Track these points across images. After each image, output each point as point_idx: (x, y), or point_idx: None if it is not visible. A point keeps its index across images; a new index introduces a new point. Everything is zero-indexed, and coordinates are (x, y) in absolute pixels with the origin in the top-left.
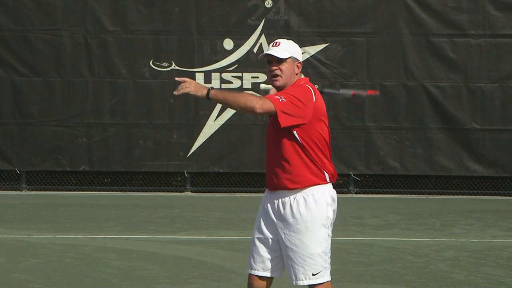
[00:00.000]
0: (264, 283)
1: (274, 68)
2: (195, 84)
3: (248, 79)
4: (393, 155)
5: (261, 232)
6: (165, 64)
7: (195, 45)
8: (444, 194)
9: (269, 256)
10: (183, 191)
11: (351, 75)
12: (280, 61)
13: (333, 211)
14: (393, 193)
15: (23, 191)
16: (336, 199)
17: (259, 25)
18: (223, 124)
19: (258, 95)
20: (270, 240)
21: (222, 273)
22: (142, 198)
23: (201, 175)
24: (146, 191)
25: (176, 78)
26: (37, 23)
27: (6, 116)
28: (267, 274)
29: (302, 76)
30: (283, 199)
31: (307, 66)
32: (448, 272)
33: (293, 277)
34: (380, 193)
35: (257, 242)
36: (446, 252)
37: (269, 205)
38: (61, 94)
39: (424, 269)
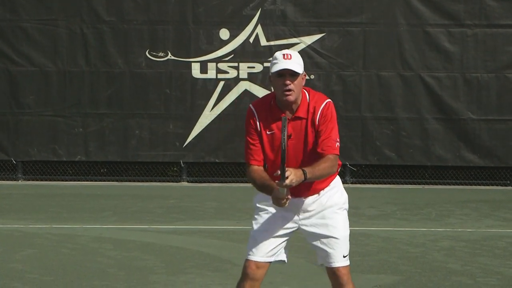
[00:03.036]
0: (263, 269)
1: (289, 82)
2: (295, 176)
3: (244, 69)
4: (390, 145)
5: (273, 223)
6: (161, 54)
7: (191, 35)
8: (440, 184)
9: (275, 243)
10: (179, 181)
11: (348, 66)
12: (294, 75)
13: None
14: (390, 183)
15: (19, 181)
16: None
17: (255, 15)
18: (219, 114)
19: (333, 156)
20: (282, 229)
21: (218, 263)
22: (138, 188)
23: (197, 165)
24: (142, 181)
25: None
26: (33, 13)
27: (2, 106)
28: (270, 259)
29: None
30: (306, 197)
31: (304, 56)
32: (444, 262)
33: (329, 260)
34: (377, 183)
35: (267, 230)
36: (442, 242)
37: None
38: (57, 84)
39: (420, 259)
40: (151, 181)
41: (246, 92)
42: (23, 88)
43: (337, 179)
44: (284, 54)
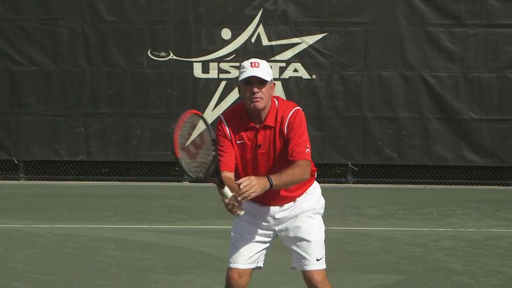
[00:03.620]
0: (246, 276)
1: (257, 90)
2: (257, 182)
3: None
4: (391, 145)
5: (249, 230)
6: (162, 54)
7: (193, 34)
8: (442, 184)
9: (255, 250)
10: (181, 181)
11: (349, 65)
12: (263, 83)
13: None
14: (391, 183)
15: (21, 181)
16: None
17: (256, 15)
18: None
19: (303, 161)
20: (260, 236)
21: (219, 263)
22: (140, 188)
23: None
24: (144, 181)
25: (237, 182)
26: (34, 12)
27: (3, 106)
28: (252, 266)
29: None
30: (282, 205)
31: (305, 56)
32: (446, 262)
33: (302, 263)
34: (378, 183)
35: (245, 237)
36: (444, 242)
37: (262, 210)
38: (59, 84)
39: (421, 259)
40: (153, 181)
41: None
42: (24, 87)
43: (315, 185)
44: (251, 63)
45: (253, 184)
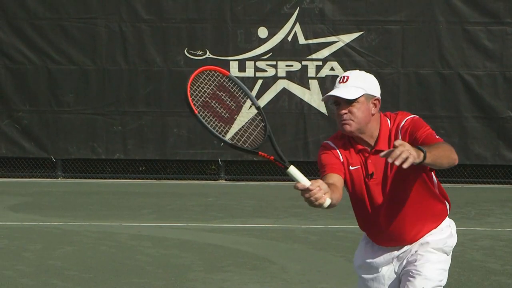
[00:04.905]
0: None
1: (343, 112)
2: (410, 147)
3: (282, 67)
4: None
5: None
6: (199, 52)
7: (230, 33)
8: (480, 183)
9: None
10: (217, 179)
11: (386, 64)
12: (350, 102)
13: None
14: None
15: (59, 179)
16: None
17: (293, 13)
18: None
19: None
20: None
21: (256, 261)
22: (177, 186)
23: (235, 163)
24: (181, 179)
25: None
26: (72, 11)
27: (42, 104)
28: None
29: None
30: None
31: (342, 55)
32: (484, 262)
33: None
34: None
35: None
36: (482, 241)
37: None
38: (96, 82)
39: (459, 258)
40: (190, 179)
41: (284, 91)
42: (62, 86)
43: (447, 221)
44: (342, 77)
45: (408, 148)
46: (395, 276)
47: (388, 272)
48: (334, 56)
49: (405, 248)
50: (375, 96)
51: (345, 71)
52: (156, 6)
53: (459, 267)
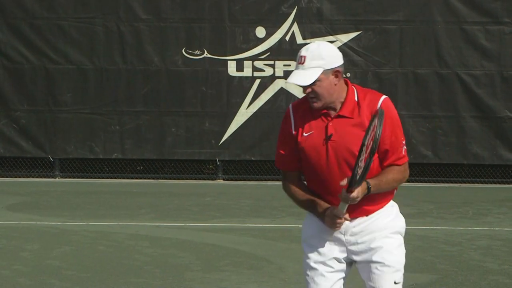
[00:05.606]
0: None
1: (308, 91)
2: (358, 191)
3: (280, 67)
4: (426, 143)
5: (324, 254)
6: (197, 52)
7: (228, 33)
8: (477, 183)
9: (335, 280)
10: (215, 179)
11: (384, 63)
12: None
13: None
14: (426, 182)
15: (57, 179)
16: None
17: (291, 13)
18: (255, 112)
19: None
20: (336, 263)
21: (254, 261)
22: (174, 186)
23: (233, 163)
24: (178, 179)
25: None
26: (70, 11)
27: (39, 104)
28: None
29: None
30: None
31: None
32: (481, 261)
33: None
34: (413, 182)
35: (320, 267)
36: (479, 241)
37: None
38: (94, 82)
39: (456, 258)
40: (187, 179)
41: (282, 90)
42: (60, 85)
43: (392, 203)
44: (300, 57)
45: (360, 195)
46: (345, 249)
47: (338, 244)
48: None
49: (357, 222)
50: (334, 68)
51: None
52: (154, 6)
53: (457, 266)
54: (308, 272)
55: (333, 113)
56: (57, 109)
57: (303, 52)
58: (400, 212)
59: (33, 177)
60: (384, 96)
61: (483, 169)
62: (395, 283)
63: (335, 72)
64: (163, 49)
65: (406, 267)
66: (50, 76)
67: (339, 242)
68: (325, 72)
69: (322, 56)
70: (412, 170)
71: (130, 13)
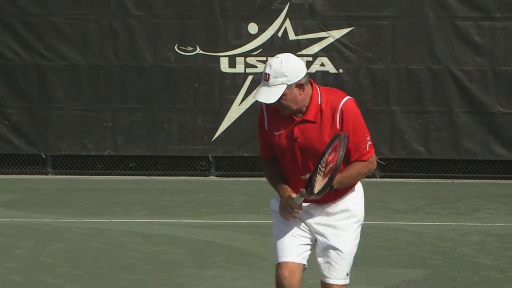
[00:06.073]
0: (298, 274)
1: (276, 104)
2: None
3: None
4: (418, 139)
5: (291, 223)
6: (190, 48)
7: (220, 29)
8: (470, 178)
9: (302, 243)
10: (208, 176)
11: (376, 59)
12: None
13: None
14: (418, 177)
15: (49, 175)
16: None
17: (283, 9)
18: (248, 108)
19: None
20: (301, 231)
21: (247, 257)
22: (167, 183)
23: (225, 159)
24: (171, 176)
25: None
26: (63, 7)
27: (32, 101)
28: (302, 261)
29: (309, 85)
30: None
31: (332, 50)
32: (474, 257)
33: (326, 273)
34: (405, 177)
35: (288, 229)
36: (472, 237)
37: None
38: (87, 78)
39: (449, 253)
40: (180, 175)
41: None
42: (53, 82)
43: (359, 187)
44: (265, 74)
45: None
46: (306, 224)
47: (302, 220)
48: (324, 51)
49: (316, 205)
50: (297, 81)
51: (335, 67)
52: (146, 2)
53: (449, 262)
54: (277, 235)
55: (300, 116)
56: (49, 106)
57: (267, 69)
58: (392, 207)
59: (25, 174)
60: (346, 98)
61: (475, 165)
62: (346, 274)
63: (298, 85)
64: (155, 46)
65: (398, 262)
66: (42, 73)
67: (304, 221)
68: (289, 87)
69: (285, 73)
70: (404, 166)
71: (123, 9)
